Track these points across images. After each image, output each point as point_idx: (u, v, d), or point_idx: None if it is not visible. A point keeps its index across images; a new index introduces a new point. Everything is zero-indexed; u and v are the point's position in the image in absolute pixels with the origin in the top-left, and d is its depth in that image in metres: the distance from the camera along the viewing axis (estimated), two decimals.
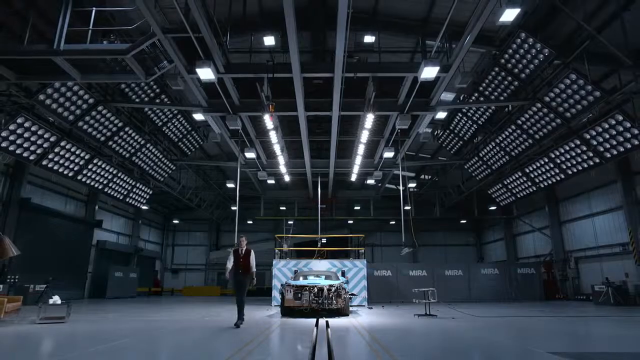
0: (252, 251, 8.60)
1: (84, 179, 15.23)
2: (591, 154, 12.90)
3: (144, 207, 21.81)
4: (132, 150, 15.95)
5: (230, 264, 8.42)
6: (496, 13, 9.60)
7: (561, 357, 4.97)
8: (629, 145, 11.46)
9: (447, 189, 25.09)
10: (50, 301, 9.11)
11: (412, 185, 23.86)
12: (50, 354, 5.41)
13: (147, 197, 19.74)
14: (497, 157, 16.95)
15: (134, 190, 18.51)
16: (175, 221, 33.51)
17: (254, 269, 8.53)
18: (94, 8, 9.59)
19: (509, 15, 9.56)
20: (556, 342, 6.34)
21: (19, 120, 11.31)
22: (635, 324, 9.45)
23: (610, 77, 12.78)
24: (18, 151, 11.93)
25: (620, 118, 11.11)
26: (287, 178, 21.37)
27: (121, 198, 18.11)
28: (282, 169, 19.13)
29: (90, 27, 9.51)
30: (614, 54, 10.51)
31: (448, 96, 15.57)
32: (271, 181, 22.79)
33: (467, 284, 20.19)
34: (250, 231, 32.27)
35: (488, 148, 16.85)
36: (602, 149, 12.35)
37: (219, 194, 27.62)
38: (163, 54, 10.96)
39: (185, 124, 17.09)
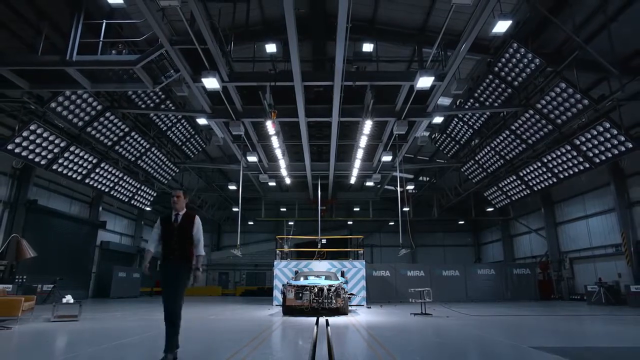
0: (198, 219, 4.86)
1: (91, 182, 15.69)
2: (581, 159, 13.35)
3: (148, 209, 22.24)
4: (138, 154, 16.39)
5: (153, 246, 4.80)
6: (490, 23, 10.08)
7: (540, 351, 5.42)
8: (616, 152, 11.92)
9: (444, 191, 25.54)
10: (64, 300, 9.57)
11: (410, 187, 24.31)
12: (71, 349, 5.86)
13: (152, 199, 20.18)
14: (492, 160, 17.40)
15: (139, 192, 18.95)
16: None
17: (201, 252, 4.77)
18: (104, 21, 10.03)
19: (501, 26, 10.04)
20: (541, 338, 6.79)
21: (32, 127, 11.77)
22: (620, 321, 9.91)
23: (600, 84, 13.21)
24: (30, 156, 12.39)
25: (608, 125, 11.56)
26: (287, 180, 21.80)
27: (126, 200, 18.56)
28: (283, 171, 19.56)
29: (101, 38, 9.96)
30: (602, 62, 10.94)
31: (445, 101, 16.01)
32: (272, 183, 23.24)
33: (464, 284, 20.64)
34: (251, 232, 32.75)
35: (483, 152, 17.30)
36: (591, 154, 12.81)
37: (221, 195, 28.06)
38: (169, 64, 11.41)
39: (189, 128, 17.54)
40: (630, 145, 11.39)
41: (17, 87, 10.79)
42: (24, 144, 11.92)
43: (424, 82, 10.95)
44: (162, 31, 9.45)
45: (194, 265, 4.72)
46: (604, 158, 12.43)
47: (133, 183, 18.06)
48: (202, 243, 4.82)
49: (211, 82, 10.71)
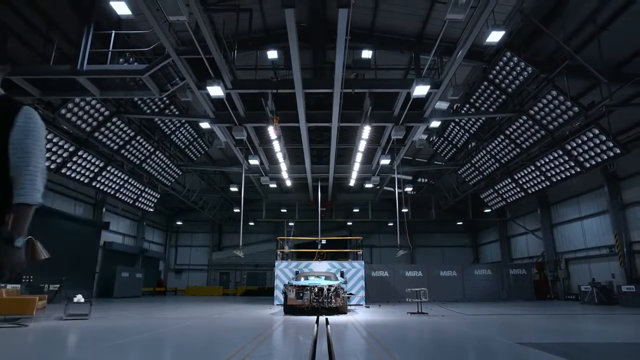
0: (28, 113, 1.81)
1: (98, 185, 16.13)
2: (572, 164, 13.79)
3: (151, 210, 22.66)
4: (142, 158, 16.81)
5: None
6: (484, 32, 10.48)
7: (525, 347, 5.83)
8: (605, 157, 12.35)
9: (443, 192, 25.94)
10: (75, 299, 9.98)
11: (409, 188, 24.71)
12: (89, 345, 6.27)
13: (155, 200, 20.59)
14: (488, 164, 17.82)
15: (143, 194, 19.36)
16: (179, 222, 34.30)
17: (32, 199, 1.73)
18: (113, 31, 10.44)
19: (495, 36, 10.47)
20: (530, 335, 7.21)
21: None
22: (608, 320, 10.32)
23: (592, 90, 13.61)
24: None
25: (597, 131, 11.99)
26: (288, 182, 22.19)
27: (131, 202, 18.98)
28: (284, 174, 19.95)
29: (110, 48, 10.37)
30: (591, 71, 11.34)
31: (443, 105, 16.35)
32: (273, 185, 23.61)
33: (461, 285, 20.99)
34: (252, 232, 33.13)
35: (480, 155, 17.73)
36: (582, 159, 13.25)
37: (222, 196, 28.47)
38: (175, 72, 11.81)
39: (192, 131, 17.95)
40: (618, 151, 11.81)
41: (28, 95, 11.18)
42: None
43: (420, 90, 11.37)
44: (168, 42, 9.85)
45: (9, 230, 1.78)
46: (594, 163, 12.87)
47: (138, 185, 18.48)
48: (36, 171, 1.85)
49: (215, 90, 11.13)
